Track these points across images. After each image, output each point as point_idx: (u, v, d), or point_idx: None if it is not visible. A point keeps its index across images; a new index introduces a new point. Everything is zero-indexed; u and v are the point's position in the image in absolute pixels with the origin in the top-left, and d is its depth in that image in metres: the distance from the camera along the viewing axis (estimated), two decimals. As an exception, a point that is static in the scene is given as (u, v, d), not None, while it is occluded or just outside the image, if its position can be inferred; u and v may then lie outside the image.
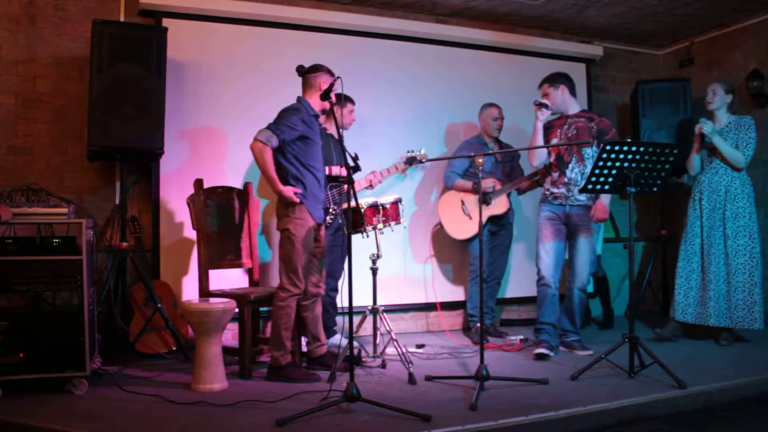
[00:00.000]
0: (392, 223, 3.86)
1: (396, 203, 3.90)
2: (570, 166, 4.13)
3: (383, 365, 3.79)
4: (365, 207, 3.72)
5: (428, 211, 5.06)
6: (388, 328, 3.74)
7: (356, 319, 3.62)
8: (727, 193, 4.31)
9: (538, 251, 4.17)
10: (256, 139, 3.46)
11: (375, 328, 3.87)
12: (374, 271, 3.85)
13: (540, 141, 4.16)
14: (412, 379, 3.42)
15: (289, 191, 3.46)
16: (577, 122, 4.18)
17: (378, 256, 3.83)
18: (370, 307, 3.85)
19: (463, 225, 4.68)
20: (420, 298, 5.05)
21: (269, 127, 3.47)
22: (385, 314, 3.81)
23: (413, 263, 5.05)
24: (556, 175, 4.18)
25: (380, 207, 3.79)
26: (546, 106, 4.13)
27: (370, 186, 4.40)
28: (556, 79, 4.22)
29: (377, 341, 3.89)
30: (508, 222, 4.81)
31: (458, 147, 4.85)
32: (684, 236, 4.49)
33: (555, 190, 4.16)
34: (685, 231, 4.49)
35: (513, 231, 4.92)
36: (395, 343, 3.69)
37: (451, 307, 5.20)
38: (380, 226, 3.77)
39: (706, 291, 4.32)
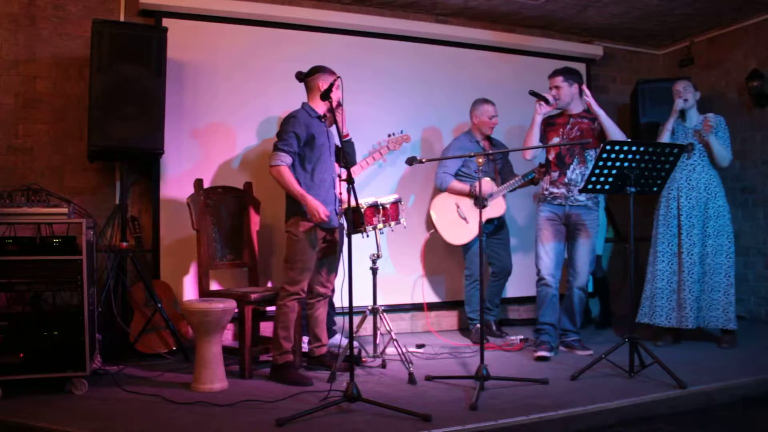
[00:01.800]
0: (392, 223, 3.84)
1: (396, 203, 3.88)
2: (571, 167, 4.09)
3: (383, 365, 3.79)
4: (365, 207, 3.71)
5: (425, 209, 5.04)
6: (388, 328, 3.74)
7: (356, 319, 3.63)
8: (707, 190, 4.24)
9: (538, 251, 4.13)
10: (272, 166, 3.47)
11: (375, 328, 3.87)
12: (374, 271, 3.84)
13: (537, 136, 4.07)
14: (412, 379, 3.42)
15: (317, 207, 3.41)
16: (581, 123, 4.14)
17: (378, 256, 3.82)
18: (370, 307, 3.85)
19: (460, 229, 4.60)
20: (420, 299, 5.04)
21: (278, 148, 3.47)
22: (385, 314, 3.80)
23: (412, 263, 5.05)
24: (555, 174, 4.13)
25: (380, 207, 3.79)
26: (546, 101, 4.02)
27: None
28: (572, 75, 4.13)
29: (377, 341, 3.89)
30: (503, 222, 4.78)
31: (449, 145, 4.78)
32: (659, 236, 4.36)
33: (555, 190, 4.12)
34: (659, 231, 4.37)
35: (508, 229, 4.89)
36: (395, 343, 3.69)
37: (450, 307, 5.20)
38: (380, 225, 3.76)
39: (681, 292, 4.23)
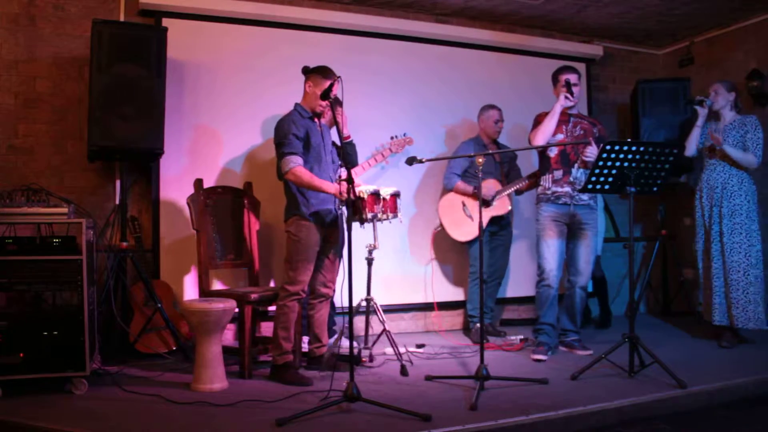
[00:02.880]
0: (390, 215, 3.73)
1: (395, 196, 3.77)
2: (575, 165, 4.10)
3: (371, 359, 3.79)
4: (367, 194, 3.61)
5: (428, 211, 5.05)
6: (381, 319, 3.72)
7: (358, 319, 3.63)
8: (723, 189, 4.29)
9: (542, 252, 4.11)
10: (286, 173, 3.46)
11: (367, 319, 3.84)
12: (369, 261, 3.83)
13: (554, 125, 4.04)
14: (404, 371, 3.40)
15: (337, 189, 3.41)
16: (582, 123, 4.16)
17: (374, 247, 3.79)
18: (364, 298, 3.85)
19: (465, 227, 4.66)
20: (420, 298, 5.04)
21: (284, 153, 3.46)
22: (378, 304, 3.80)
23: (414, 263, 5.04)
24: (559, 173, 4.11)
25: (381, 197, 3.69)
26: (572, 95, 4.03)
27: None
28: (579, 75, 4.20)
29: (369, 332, 3.88)
30: (507, 222, 4.80)
31: (457, 148, 4.84)
32: (696, 235, 4.51)
33: (559, 190, 4.10)
34: (695, 231, 4.52)
35: (512, 230, 4.91)
36: (388, 333, 3.67)
37: (451, 307, 5.20)
38: (380, 215, 3.67)
39: (711, 289, 4.33)
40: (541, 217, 4.16)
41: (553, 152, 4.15)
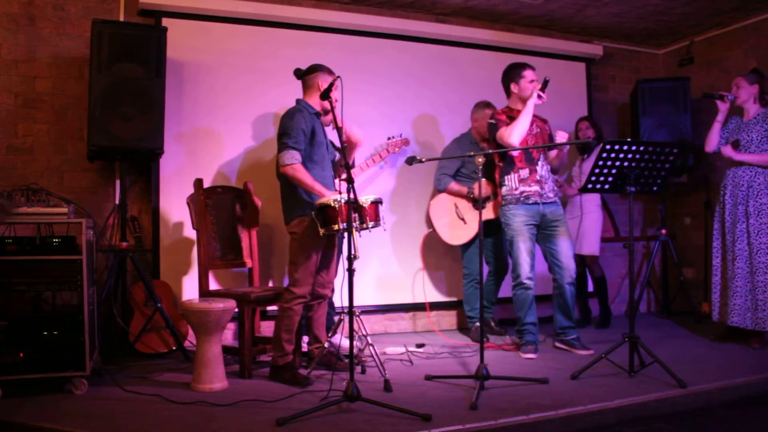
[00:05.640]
0: (370, 224, 3.35)
1: (375, 203, 3.41)
2: (539, 163, 4.10)
3: (363, 371, 3.65)
4: (341, 203, 3.26)
5: (425, 210, 5.04)
6: (364, 332, 3.61)
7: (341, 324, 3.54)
8: (749, 188, 4.19)
9: (518, 258, 4.06)
10: (284, 165, 3.40)
11: (351, 333, 3.23)
12: (351, 272, 3.11)
13: (529, 123, 3.98)
14: (387, 387, 3.25)
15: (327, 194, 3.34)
16: (537, 121, 4.17)
17: (355, 257, 3.17)
18: (345, 312, 3.57)
19: (458, 230, 4.62)
20: (420, 298, 5.04)
21: (289, 146, 3.39)
22: (362, 320, 3.64)
23: (412, 263, 5.04)
24: (525, 172, 4.07)
25: (359, 206, 3.34)
26: (542, 93, 3.99)
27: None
28: None
29: (358, 345, 3.76)
30: (499, 223, 4.76)
31: (447, 146, 4.81)
32: (714, 233, 4.43)
33: (527, 189, 4.07)
34: (713, 227, 4.44)
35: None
36: (372, 348, 3.54)
37: (450, 307, 5.20)
38: (356, 224, 3.30)
39: (728, 288, 4.23)
40: (512, 221, 4.09)
41: (516, 151, 4.08)
